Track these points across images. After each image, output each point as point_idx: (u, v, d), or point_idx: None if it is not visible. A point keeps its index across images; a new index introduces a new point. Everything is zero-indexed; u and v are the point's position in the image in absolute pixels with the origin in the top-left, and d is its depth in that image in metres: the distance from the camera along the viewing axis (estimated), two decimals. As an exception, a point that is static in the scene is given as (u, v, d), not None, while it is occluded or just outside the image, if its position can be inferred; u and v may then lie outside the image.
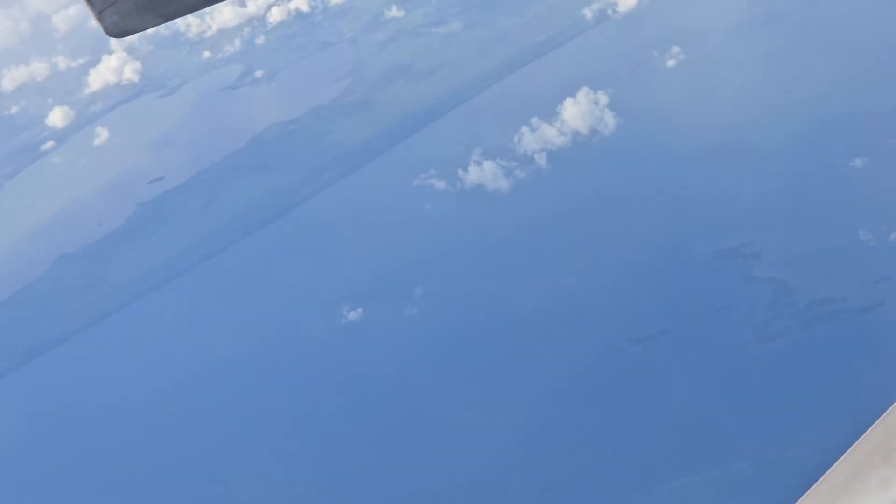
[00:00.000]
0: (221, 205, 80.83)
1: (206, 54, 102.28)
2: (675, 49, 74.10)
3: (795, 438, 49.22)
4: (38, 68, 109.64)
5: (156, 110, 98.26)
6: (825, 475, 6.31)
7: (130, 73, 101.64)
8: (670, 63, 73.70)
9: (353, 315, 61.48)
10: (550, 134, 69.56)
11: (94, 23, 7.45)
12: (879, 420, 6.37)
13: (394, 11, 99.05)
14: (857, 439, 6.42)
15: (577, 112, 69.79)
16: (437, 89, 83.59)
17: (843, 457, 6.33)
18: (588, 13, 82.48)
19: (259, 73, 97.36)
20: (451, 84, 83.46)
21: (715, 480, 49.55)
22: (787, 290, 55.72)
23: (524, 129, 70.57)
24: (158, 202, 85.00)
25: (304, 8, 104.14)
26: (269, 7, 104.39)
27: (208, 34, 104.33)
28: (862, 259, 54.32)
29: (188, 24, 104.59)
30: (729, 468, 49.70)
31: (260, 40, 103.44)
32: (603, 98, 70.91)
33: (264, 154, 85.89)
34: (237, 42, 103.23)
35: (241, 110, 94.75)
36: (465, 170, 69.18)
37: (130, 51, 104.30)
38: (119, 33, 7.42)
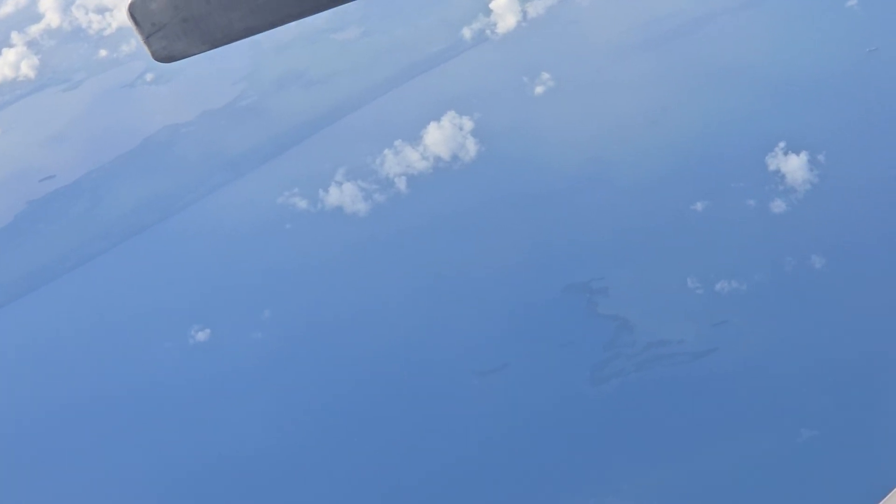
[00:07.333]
0: (105, 208, 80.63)
1: (103, 53, 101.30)
2: (545, 75, 73.71)
3: (615, 485, 49.75)
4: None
5: (53, 106, 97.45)
6: None
7: (27, 68, 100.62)
8: (538, 90, 73.26)
9: (201, 336, 61.50)
10: (413, 158, 69.34)
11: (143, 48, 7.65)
12: None
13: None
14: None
15: (440, 137, 69.48)
16: (326, 99, 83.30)
17: None
18: (468, 33, 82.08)
19: (155, 74, 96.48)
20: (339, 95, 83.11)
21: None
22: (628, 329, 56.19)
23: (387, 151, 70.35)
24: (47, 201, 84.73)
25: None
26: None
27: (107, 32, 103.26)
28: (693, 305, 54.92)
29: (90, 20, 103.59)
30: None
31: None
32: (468, 123, 70.54)
33: (154, 156, 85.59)
34: (133, 42, 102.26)
35: (137, 109, 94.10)
36: (326, 190, 68.95)
37: (31, 45, 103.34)
38: (166, 58, 7.61)
